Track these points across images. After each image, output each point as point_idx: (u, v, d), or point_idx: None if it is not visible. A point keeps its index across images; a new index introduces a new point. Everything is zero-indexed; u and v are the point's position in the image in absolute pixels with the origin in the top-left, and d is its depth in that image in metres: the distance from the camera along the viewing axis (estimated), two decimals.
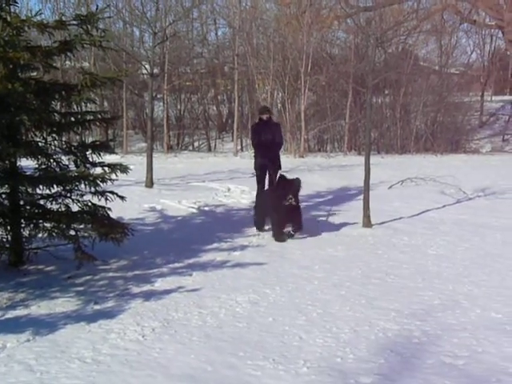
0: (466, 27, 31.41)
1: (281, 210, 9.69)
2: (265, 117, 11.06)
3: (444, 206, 12.74)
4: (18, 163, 7.74)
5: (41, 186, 7.66)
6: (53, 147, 7.97)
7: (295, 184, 9.92)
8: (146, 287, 7.16)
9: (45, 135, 7.90)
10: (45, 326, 5.88)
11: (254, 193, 13.40)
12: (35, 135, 7.89)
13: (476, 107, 31.57)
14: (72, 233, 7.77)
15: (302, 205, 10.65)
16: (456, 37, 30.29)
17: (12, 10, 7.66)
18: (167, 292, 6.95)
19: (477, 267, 8.18)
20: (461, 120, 28.82)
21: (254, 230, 10.29)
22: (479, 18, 30.73)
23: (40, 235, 7.97)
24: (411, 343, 5.55)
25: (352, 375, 4.85)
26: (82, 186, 7.78)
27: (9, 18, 7.38)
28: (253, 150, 11.52)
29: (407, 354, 5.31)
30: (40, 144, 7.87)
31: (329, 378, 4.81)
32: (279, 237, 9.69)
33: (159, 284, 7.29)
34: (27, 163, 7.82)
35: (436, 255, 8.85)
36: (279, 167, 10.97)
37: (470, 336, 5.69)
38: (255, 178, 11.17)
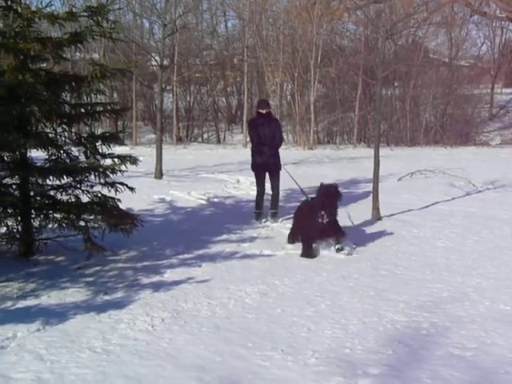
0: (476, 19, 31.31)
1: (313, 227, 8.48)
2: (264, 111, 10.44)
3: (453, 199, 12.72)
4: (29, 154, 7.78)
5: (51, 177, 7.68)
6: (63, 138, 8.00)
7: (333, 194, 8.51)
8: (156, 278, 7.19)
9: (55, 126, 7.92)
10: (55, 315, 5.91)
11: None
12: (45, 126, 7.91)
13: (486, 100, 31.48)
14: (82, 223, 7.80)
15: (311, 196, 10.64)
16: (466, 29, 30.23)
17: (23, 1, 7.68)
18: (176, 283, 6.98)
19: (486, 260, 8.17)
20: (470, 112, 28.73)
21: (263, 221, 10.29)
22: (490, 9, 30.56)
23: (50, 226, 8.02)
24: (419, 335, 5.55)
25: (360, 366, 4.86)
26: (92, 177, 7.82)
27: (20, 10, 7.40)
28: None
29: (415, 345, 5.31)
30: (50, 135, 7.89)
31: (337, 368, 4.83)
32: (306, 252, 8.35)
33: (168, 275, 7.31)
34: (37, 154, 7.85)
35: (445, 247, 8.85)
36: (279, 168, 10.48)
37: (478, 328, 5.69)
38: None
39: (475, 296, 6.64)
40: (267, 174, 10.50)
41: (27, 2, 8.24)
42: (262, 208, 10.49)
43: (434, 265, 7.90)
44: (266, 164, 10.32)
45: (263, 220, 10.27)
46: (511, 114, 31.69)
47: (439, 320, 5.90)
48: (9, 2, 7.40)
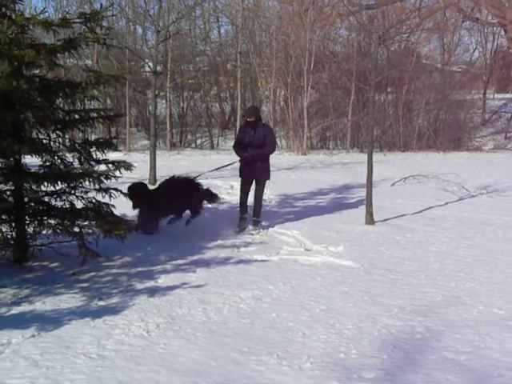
0: (468, 25, 31.41)
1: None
2: (251, 119, 10.06)
3: (446, 204, 12.77)
4: (23, 160, 7.77)
5: (45, 183, 7.66)
6: (57, 144, 8.00)
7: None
8: (150, 283, 7.19)
9: (49, 132, 7.92)
10: (50, 321, 5.91)
11: None
12: (39, 132, 7.89)
13: (478, 105, 31.56)
14: (76, 229, 7.78)
15: (305, 202, 10.75)
16: (458, 35, 30.29)
17: (17, 8, 7.69)
18: (171, 288, 6.99)
19: (479, 264, 8.21)
20: (463, 118, 28.82)
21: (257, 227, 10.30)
22: (482, 15, 30.70)
23: (44, 232, 8.00)
24: (414, 339, 5.58)
25: (355, 370, 4.89)
26: (87, 183, 7.80)
27: (14, 16, 7.40)
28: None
29: (410, 349, 5.34)
30: (44, 141, 7.88)
31: (332, 373, 4.85)
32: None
33: (163, 280, 7.32)
34: (32, 160, 7.84)
35: (438, 252, 8.88)
36: (267, 178, 10.31)
37: (472, 332, 5.73)
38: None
39: (469, 300, 6.68)
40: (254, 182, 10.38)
41: (21, 9, 8.22)
42: (247, 212, 10.43)
43: (427, 269, 7.94)
44: (251, 176, 10.24)
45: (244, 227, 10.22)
46: (503, 119, 31.78)
47: (433, 324, 5.93)
48: (3, 9, 7.41)
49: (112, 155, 8.45)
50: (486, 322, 5.99)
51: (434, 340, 5.55)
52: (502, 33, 31.46)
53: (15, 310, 6.28)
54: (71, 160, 8.00)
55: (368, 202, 10.56)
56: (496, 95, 35.19)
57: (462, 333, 5.71)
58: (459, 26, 29.73)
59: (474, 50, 33.93)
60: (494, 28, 31.95)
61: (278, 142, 28.03)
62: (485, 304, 6.55)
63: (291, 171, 18.26)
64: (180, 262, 8.14)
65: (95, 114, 8.32)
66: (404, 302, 6.57)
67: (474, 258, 8.56)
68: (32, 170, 7.81)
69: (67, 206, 7.95)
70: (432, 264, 8.23)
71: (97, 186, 7.88)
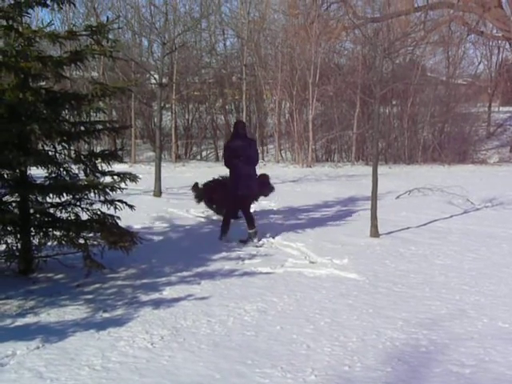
0: (473, 38, 31.55)
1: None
2: (243, 131, 10.25)
3: (451, 216, 12.76)
4: (29, 172, 7.81)
5: (51, 195, 7.70)
6: (63, 156, 8.03)
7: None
8: (155, 295, 7.19)
9: (55, 144, 7.96)
10: (54, 333, 5.92)
11: (263, 202, 13.49)
12: (45, 144, 7.95)
13: (483, 118, 31.63)
14: (81, 241, 7.79)
15: (310, 214, 10.76)
16: (463, 48, 30.41)
17: (24, 20, 7.76)
18: (176, 300, 6.99)
19: (484, 277, 8.19)
20: (468, 130, 28.86)
21: (262, 238, 10.29)
22: (486, 29, 30.79)
23: (49, 243, 8.01)
24: (418, 352, 5.57)
25: None
26: (92, 194, 7.83)
27: (21, 29, 7.47)
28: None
29: (414, 362, 5.33)
30: (50, 153, 7.93)
31: None
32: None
33: (168, 292, 7.32)
34: (37, 172, 7.87)
35: (443, 265, 8.87)
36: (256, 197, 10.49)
37: (477, 345, 5.71)
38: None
39: (473, 313, 6.65)
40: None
41: (27, 22, 8.28)
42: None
43: (432, 282, 7.92)
44: (244, 193, 10.22)
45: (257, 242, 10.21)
46: (509, 132, 31.80)
47: (438, 337, 5.91)
48: (10, 22, 7.47)
49: (117, 167, 8.48)
50: (490, 336, 5.97)
51: (439, 353, 5.53)
52: (507, 46, 31.54)
53: (20, 322, 6.28)
54: (77, 172, 8.03)
55: (373, 214, 10.56)
56: (501, 108, 35.22)
57: (466, 346, 5.69)
58: (464, 39, 29.85)
59: (479, 63, 34.10)
60: (499, 41, 32.05)
61: (283, 155, 28.16)
62: (490, 317, 6.53)
63: (296, 183, 18.28)
64: (185, 273, 8.15)
65: (101, 126, 8.35)
66: (409, 315, 6.56)
67: (478, 271, 8.54)
68: (38, 182, 7.85)
69: (72, 217, 7.97)
70: (437, 277, 8.21)
71: (102, 198, 7.90)
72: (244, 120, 26.15)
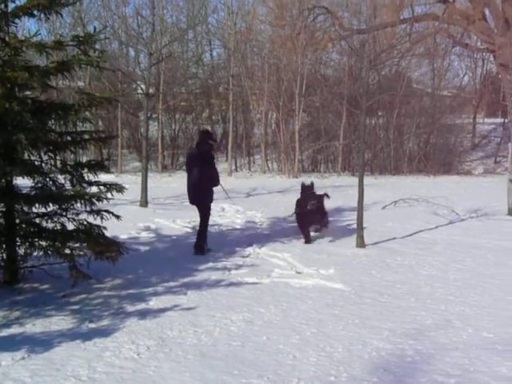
0: (458, 50, 31.77)
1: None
2: (197, 142, 10.46)
3: (437, 227, 12.82)
4: (14, 182, 7.78)
5: (37, 205, 7.69)
6: (49, 166, 8.01)
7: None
8: (141, 306, 7.18)
9: (41, 154, 7.94)
10: (40, 344, 5.89)
11: (249, 212, 13.51)
12: (31, 154, 7.92)
13: (468, 129, 31.89)
14: (67, 251, 7.76)
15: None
16: (448, 60, 30.69)
17: (10, 30, 7.75)
18: (162, 311, 6.98)
19: (469, 288, 8.24)
20: (453, 142, 29.06)
21: (248, 249, 10.32)
22: (471, 41, 31.00)
23: (35, 253, 7.98)
24: (404, 362, 5.59)
25: None
26: (78, 204, 7.80)
27: (7, 38, 7.47)
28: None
29: (400, 372, 5.35)
30: (36, 163, 7.92)
31: None
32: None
33: (154, 303, 7.31)
34: (23, 182, 7.85)
35: (429, 275, 8.91)
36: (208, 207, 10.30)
37: (462, 355, 5.74)
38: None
39: (459, 323, 6.69)
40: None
41: (14, 31, 8.27)
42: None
43: (418, 292, 7.96)
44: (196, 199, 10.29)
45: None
46: (493, 143, 32.04)
47: (423, 347, 5.94)
48: None
49: (103, 177, 8.46)
50: (475, 346, 6.01)
51: (425, 363, 5.56)
52: (491, 58, 31.75)
53: (5, 332, 6.25)
54: (63, 182, 8.01)
55: (359, 225, 10.60)
56: (486, 120, 35.54)
57: (451, 356, 5.72)
58: (449, 51, 30.07)
59: (464, 75, 34.40)
60: (484, 54, 32.30)
61: (270, 165, 28.19)
62: (474, 327, 6.57)
63: (282, 194, 18.31)
64: (171, 284, 8.14)
65: (87, 136, 8.35)
66: (394, 325, 6.58)
67: (463, 281, 8.59)
68: (23, 192, 7.82)
69: (58, 227, 7.95)
70: (422, 287, 8.25)
71: (88, 208, 7.88)
72: (230, 129, 26.23)
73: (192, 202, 10.31)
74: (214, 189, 10.31)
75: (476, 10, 25.95)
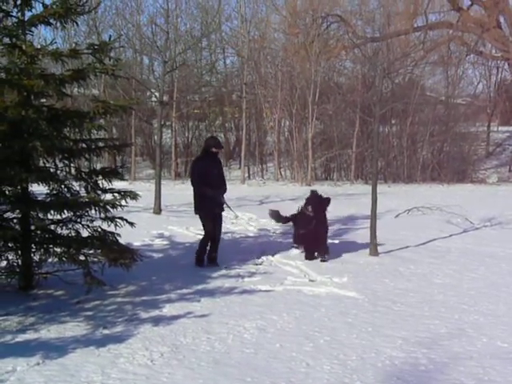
0: (472, 58, 31.71)
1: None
2: (216, 150, 9.93)
3: (450, 236, 12.78)
4: (30, 188, 7.84)
5: (52, 212, 7.75)
6: (64, 173, 8.07)
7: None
8: (155, 312, 7.20)
9: (56, 161, 8.01)
10: (54, 349, 5.92)
11: (262, 220, 13.50)
12: (47, 161, 7.99)
13: (482, 137, 31.75)
14: (82, 258, 7.81)
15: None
16: (462, 68, 30.60)
17: (27, 38, 7.82)
18: (175, 317, 7.00)
19: (483, 296, 8.20)
20: (467, 150, 28.97)
21: (261, 257, 10.31)
22: (485, 49, 30.98)
23: (50, 260, 8.03)
24: (418, 371, 5.57)
25: None
26: (92, 211, 7.87)
27: (24, 47, 7.53)
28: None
29: (414, 381, 5.33)
30: (51, 170, 7.98)
31: None
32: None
33: (167, 309, 7.33)
34: (39, 188, 7.91)
35: (442, 284, 8.88)
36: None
37: (476, 364, 5.71)
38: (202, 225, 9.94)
39: (472, 332, 6.66)
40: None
41: (30, 40, 8.35)
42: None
43: (431, 301, 7.93)
44: (217, 211, 9.91)
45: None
46: (508, 151, 31.90)
47: (437, 356, 5.92)
48: (14, 40, 7.54)
49: (117, 184, 8.51)
50: (489, 355, 5.98)
51: (438, 372, 5.54)
52: (506, 66, 31.71)
53: (20, 338, 6.29)
54: (78, 189, 8.06)
55: (372, 233, 10.58)
56: (500, 128, 35.36)
57: (465, 365, 5.70)
58: (463, 59, 30.00)
59: (478, 83, 34.29)
60: (498, 61, 32.23)
61: (283, 173, 28.21)
62: (489, 336, 6.54)
63: (295, 202, 18.24)
64: (185, 291, 8.16)
65: (102, 144, 8.40)
66: (408, 334, 6.57)
67: (477, 290, 8.56)
68: (39, 199, 7.88)
69: (73, 234, 8.00)
70: (436, 296, 8.22)
71: (102, 215, 7.93)
72: (243, 137, 26.25)
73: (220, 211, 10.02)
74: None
75: (490, 18, 25.95)
